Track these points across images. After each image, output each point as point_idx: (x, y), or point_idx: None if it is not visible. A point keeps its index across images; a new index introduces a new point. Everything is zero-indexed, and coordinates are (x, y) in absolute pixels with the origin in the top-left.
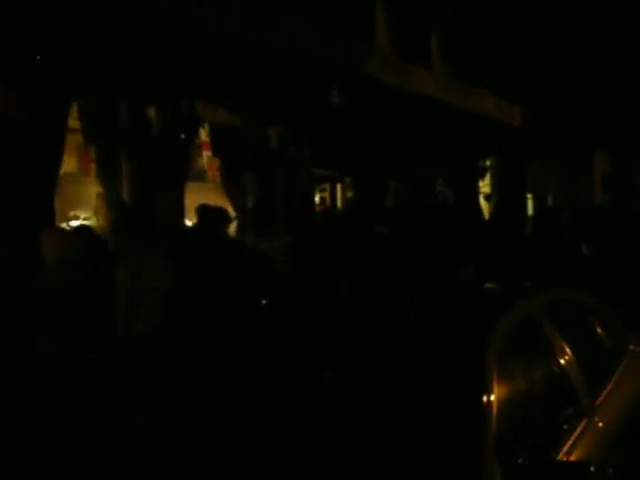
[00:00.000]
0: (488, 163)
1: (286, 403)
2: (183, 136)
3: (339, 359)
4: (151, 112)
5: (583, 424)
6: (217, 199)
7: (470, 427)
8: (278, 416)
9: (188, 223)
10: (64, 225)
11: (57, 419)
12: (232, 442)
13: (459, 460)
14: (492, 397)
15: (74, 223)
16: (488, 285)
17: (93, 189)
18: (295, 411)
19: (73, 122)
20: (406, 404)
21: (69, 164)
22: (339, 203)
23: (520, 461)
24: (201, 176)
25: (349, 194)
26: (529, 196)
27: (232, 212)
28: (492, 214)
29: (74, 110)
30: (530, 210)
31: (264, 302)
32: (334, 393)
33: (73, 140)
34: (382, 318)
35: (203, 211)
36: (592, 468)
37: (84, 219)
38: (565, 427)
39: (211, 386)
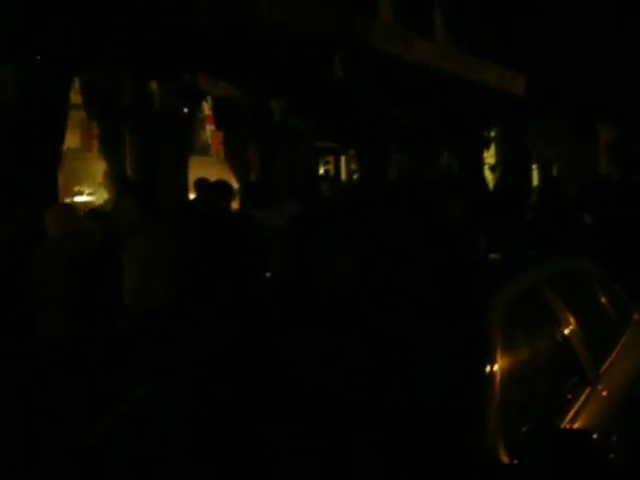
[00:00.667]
0: (493, 134)
1: (285, 392)
2: (186, 110)
3: (341, 339)
4: (153, 86)
5: (587, 393)
6: (221, 172)
7: (473, 397)
8: (278, 406)
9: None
10: (68, 200)
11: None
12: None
13: (462, 430)
14: (495, 367)
15: (78, 198)
16: (493, 255)
17: (97, 164)
18: (295, 401)
19: (75, 97)
20: (409, 378)
21: (72, 140)
22: (343, 175)
23: (524, 429)
24: (205, 150)
25: (353, 166)
26: (534, 167)
27: (236, 185)
28: (497, 185)
29: (76, 85)
30: (535, 180)
31: (268, 275)
32: (337, 374)
33: (76, 116)
34: (385, 291)
35: (201, 185)
36: (595, 435)
37: (88, 194)
38: (569, 396)
39: (214, 367)
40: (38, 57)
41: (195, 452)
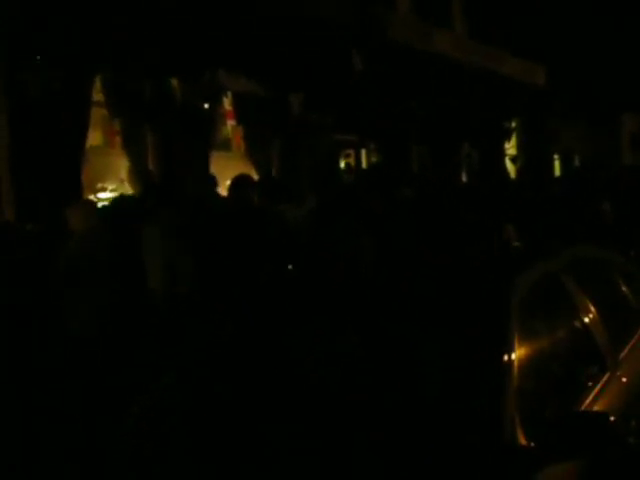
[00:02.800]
0: (513, 125)
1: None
2: (206, 106)
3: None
4: (174, 83)
5: (605, 378)
6: (242, 167)
7: (491, 384)
8: (279, 404)
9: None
10: (92, 197)
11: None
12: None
13: (479, 417)
14: (513, 355)
15: (102, 195)
16: (515, 244)
17: (119, 161)
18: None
19: (97, 95)
20: (428, 367)
21: (95, 137)
22: (364, 167)
23: (542, 415)
24: (226, 145)
25: (373, 159)
26: (556, 157)
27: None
28: (518, 175)
29: (98, 84)
30: (557, 171)
31: (290, 267)
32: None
33: (98, 113)
34: (403, 279)
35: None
36: (612, 418)
37: (111, 191)
38: (588, 383)
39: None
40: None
41: (204, 446)
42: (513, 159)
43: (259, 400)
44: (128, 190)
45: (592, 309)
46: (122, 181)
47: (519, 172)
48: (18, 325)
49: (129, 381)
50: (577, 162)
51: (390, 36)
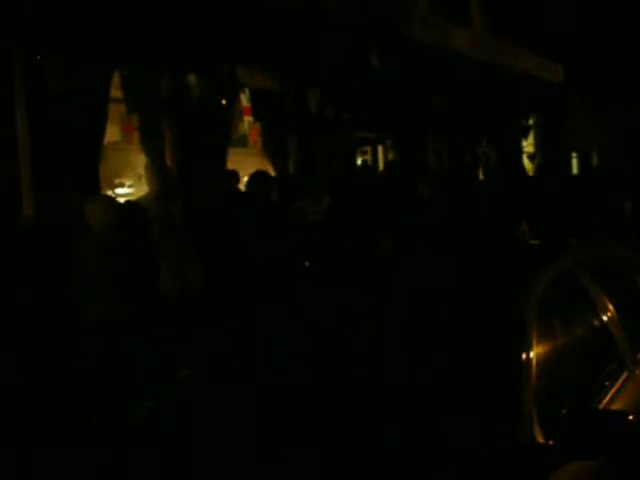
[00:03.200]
0: (531, 122)
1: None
2: (224, 102)
3: (379, 312)
4: (192, 79)
5: (624, 377)
6: (259, 164)
7: (509, 382)
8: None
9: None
10: (110, 193)
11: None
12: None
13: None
14: (531, 354)
15: (119, 191)
16: (532, 242)
17: (137, 157)
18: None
19: (115, 91)
20: (445, 364)
21: (113, 133)
22: (380, 165)
23: (560, 413)
24: (243, 141)
25: (390, 156)
26: (573, 155)
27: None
28: (536, 173)
29: (116, 79)
30: (575, 169)
31: (307, 263)
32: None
33: (116, 109)
34: (418, 277)
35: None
36: (631, 417)
37: (129, 186)
38: (606, 381)
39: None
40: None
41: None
42: (531, 156)
43: (274, 397)
44: (145, 186)
45: (610, 307)
46: (140, 177)
47: (537, 169)
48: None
49: (142, 376)
50: (595, 160)
51: (408, 33)
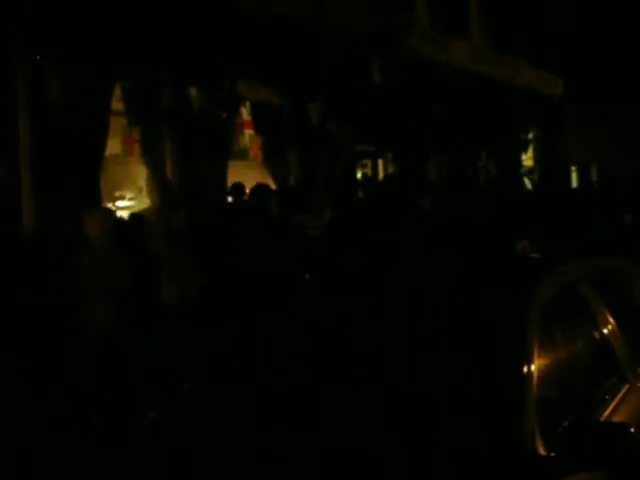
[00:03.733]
0: (531, 136)
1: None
2: (225, 115)
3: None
4: (193, 92)
5: (625, 390)
6: (259, 177)
7: (510, 395)
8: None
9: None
10: (110, 205)
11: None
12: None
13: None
14: (532, 367)
15: (120, 203)
16: (534, 255)
17: (138, 169)
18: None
19: (116, 104)
20: (444, 375)
21: (114, 145)
22: (381, 178)
23: (561, 425)
24: (243, 154)
25: (390, 169)
26: (573, 169)
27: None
28: (535, 187)
29: (117, 92)
30: (574, 182)
31: (307, 276)
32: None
33: (117, 122)
34: (425, 290)
35: (239, 188)
36: (632, 429)
37: (129, 199)
38: (607, 394)
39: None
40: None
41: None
42: (530, 170)
43: (271, 406)
44: (146, 199)
45: (611, 320)
46: (140, 189)
47: (536, 183)
48: (36, 324)
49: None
50: (594, 174)
51: (409, 47)
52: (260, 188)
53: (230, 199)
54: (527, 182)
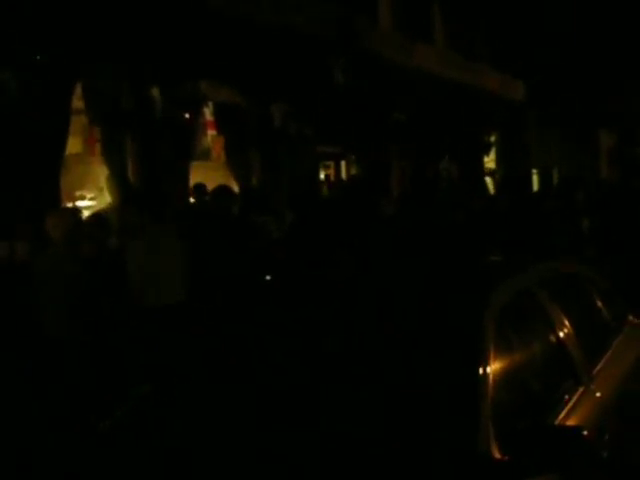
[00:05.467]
0: (493, 139)
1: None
2: (187, 115)
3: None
4: (155, 92)
5: (580, 393)
6: (222, 178)
7: (465, 397)
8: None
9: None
10: (70, 205)
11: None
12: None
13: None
14: (488, 369)
15: (80, 203)
16: (493, 258)
17: (99, 169)
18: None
19: (77, 102)
20: (401, 379)
21: (74, 145)
22: (344, 179)
23: (516, 428)
24: (206, 155)
25: (353, 171)
26: (534, 172)
27: (237, 190)
28: (497, 190)
29: (78, 90)
30: (535, 185)
31: (268, 278)
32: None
33: (78, 121)
34: (378, 293)
35: (200, 189)
36: (585, 432)
37: (90, 199)
38: (562, 397)
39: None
40: (38, 57)
41: (194, 452)
42: (491, 173)
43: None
44: (107, 198)
45: (566, 323)
46: (101, 189)
47: (497, 187)
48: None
49: (104, 388)
50: (555, 177)
51: (371, 49)
52: (222, 190)
53: (192, 200)
54: (489, 183)
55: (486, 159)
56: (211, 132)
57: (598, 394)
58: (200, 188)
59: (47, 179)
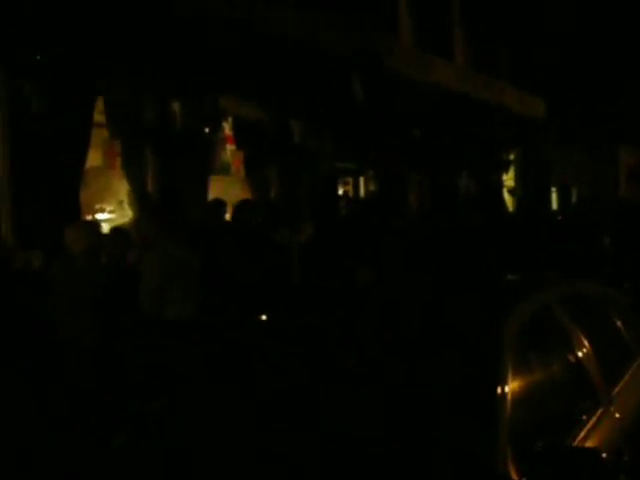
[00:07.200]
0: (512, 156)
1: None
2: (207, 130)
3: (358, 342)
4: (175, 106)
5: (599, 413)
6: (240, 192)
7: (483, 417)
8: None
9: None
10: (90, 218)
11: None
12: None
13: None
14: (506, 388)
15: (100, 216)
16: (511, 277)
17: (119, 182)
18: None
19: (98, 116)
20: (420, 399)
21: (95, 158)
22: (362, 196)
23: (534, 449)
24: (225, 169)
25: (372, 187)
26: (553, 189)
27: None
28: (517, 208)
29: (99, 104)
30: (555, 204)
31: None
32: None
33: (99, 134)
34: (397, 308)
35: (219, 205)
36: (604, 455)
37: (110, 212)
38: (581, 418)
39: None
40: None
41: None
42: (511, 191)
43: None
44: (127, 212)
45: (586, 343)
46: (121, 202)
47: (518, 204)
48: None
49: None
50: (574, 194)
51: (391, 66)
52: (244, 204)
53: (211, 215)
54: (509, 201)
55: (505, 177)
56: (230, 147)
57: (617, 415)
58: (217, 204)
59: (67, 192)
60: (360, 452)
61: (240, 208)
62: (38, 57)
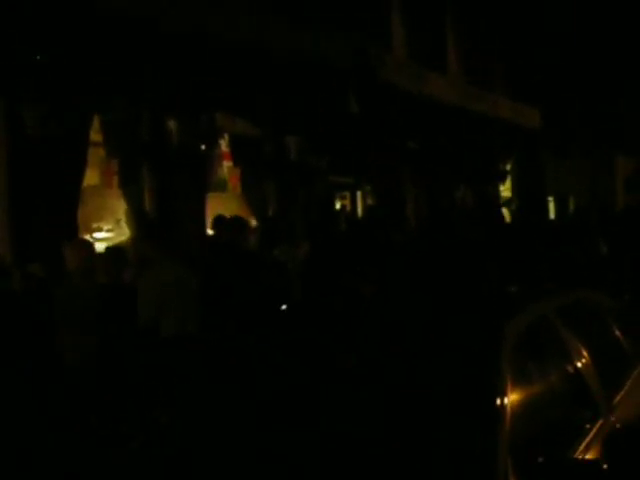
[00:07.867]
0: (508, 167)
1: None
2: (203, 147)
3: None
4: (171, 124)
5: (599, 424)
6: (238, 209)
7: (483, 429)
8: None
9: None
10: (87, 237)
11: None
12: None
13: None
14: (505, 399)
15: (97, 235)
16: (510, 288)
17: (116, 201)
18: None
19: (95, 135)
20: (419, 411)
21: (91, 177)
22: (359, 210)
23: (534, 461)
24: (222, 186)
25: (369, 201)
26: (550, 199)
27: (253, 221)
28: (514, 218)
29: (96, 123)
30: (552, 213)
31: (283, 307)
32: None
33: (95, 153)
34: (400, 323)
35: (219, 221)
36: (605, 466)
37: (107, 231)
38: (581, 429)
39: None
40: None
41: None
42: (507, 202)
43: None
44: (124, 230)
45: (585, 353)
46: (118, 221)
47: (514, 215)
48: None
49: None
50: (571, 204)
51: (385, 79)
52: (233, 221)
53: (211, 232)
54: (505, 212)
55: (502, 187)
56: (227, 163)
57: (618, 426)
58: (219, 221)
59: (65, 211)
60: (360, 452)
61: (229, 225)
62: (34, 77)
